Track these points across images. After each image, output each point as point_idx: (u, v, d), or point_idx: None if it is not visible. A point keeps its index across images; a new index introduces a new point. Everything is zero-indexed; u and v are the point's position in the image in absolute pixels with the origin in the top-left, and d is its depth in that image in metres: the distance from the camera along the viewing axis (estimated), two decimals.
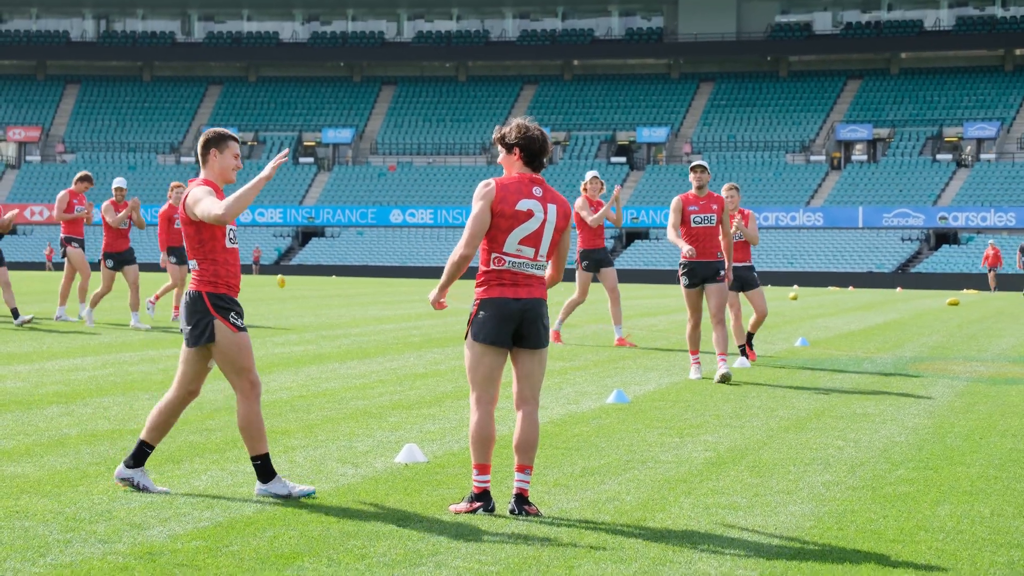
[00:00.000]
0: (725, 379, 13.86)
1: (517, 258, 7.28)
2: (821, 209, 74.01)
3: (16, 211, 19.48)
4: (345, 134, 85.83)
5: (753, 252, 19.17)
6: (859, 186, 76.11)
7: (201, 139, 7.67)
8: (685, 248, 13.93)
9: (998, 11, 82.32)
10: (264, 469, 7.54)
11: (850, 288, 56.87)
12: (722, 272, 14.34)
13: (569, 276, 47.34)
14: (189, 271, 7.82)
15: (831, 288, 56.39)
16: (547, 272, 7.52)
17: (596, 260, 18.62)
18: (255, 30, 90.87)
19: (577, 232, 18.78)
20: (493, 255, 7.27)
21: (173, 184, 21.20)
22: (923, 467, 8.89)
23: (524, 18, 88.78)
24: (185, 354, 7.61)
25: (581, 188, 18.50)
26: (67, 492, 7.52)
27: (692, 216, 14.27)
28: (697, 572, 6.08)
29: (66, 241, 20.96)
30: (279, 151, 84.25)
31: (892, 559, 6.37)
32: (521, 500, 7.23)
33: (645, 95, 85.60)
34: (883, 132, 79.42)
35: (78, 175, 20.84)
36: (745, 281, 16.63)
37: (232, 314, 7.52)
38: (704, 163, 14.35)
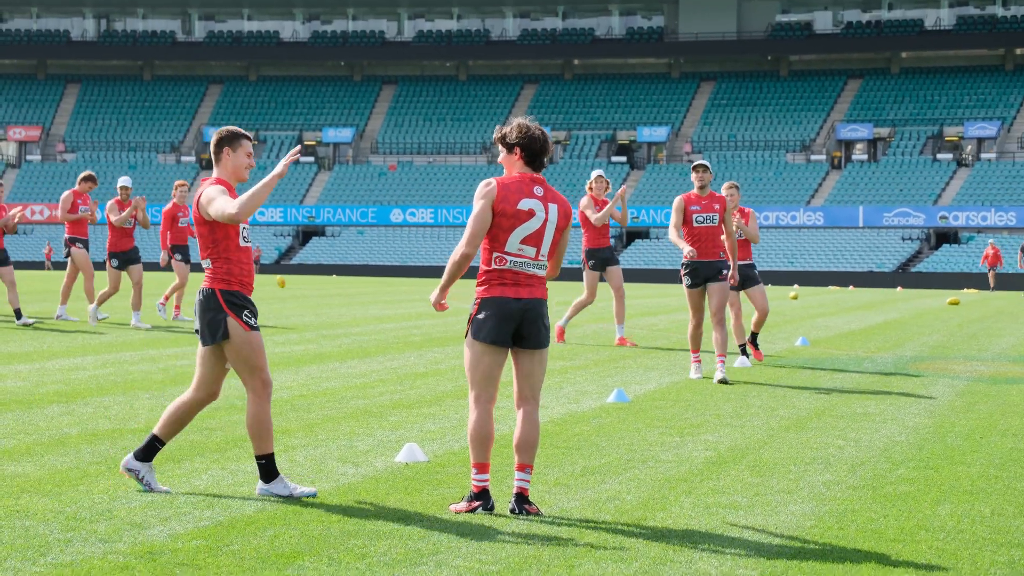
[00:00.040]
0: (723, 383, 13.85)
1: (519, 257, 7.27)
2: (821, 208, 74.00)
3: (20, 209, 19.44)
4: (345, 133, 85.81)
5: (754, 251, 19.16)
6: (859, 185, 76.09)
7: (214, 137, 7.64)
8: (686, 249, 13.91)
9: (999, 10, 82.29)
10: (268, 469, 7.53)
11: (850, 287, 56.87)
12: (725, 272, 14.31)
13: (575, 276, 47.27)
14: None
15: (831, 288, 56.39)
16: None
17: (602, 259, 18.60)
18: (255, 29, 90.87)
19: (582, 231, 18.76)
20: (494, 255, 7.27)
21: (177, 183, 21.17)
22: (924, 466, 8.89)
23: (525, 17, 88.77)
24: (201, 354, 7.58)
25: (587, 187, 18.50)
26: (67, 491, 7.52)
27: (694, 216, 14.24)
28: (697, 571, 6.08)
29: (70, 241, 20.77)
30: (279, 151, 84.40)
31: (893, 558, 6.37)
32: (521, 499, 7.23)
33: (646, 94, 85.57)
34: (883, 131, 79.40)
35: (82, 175, 20.60)
36: (746, 279, 16.61)
37: (246, 312, 7.50)
38: (706, 163, 14.29)
